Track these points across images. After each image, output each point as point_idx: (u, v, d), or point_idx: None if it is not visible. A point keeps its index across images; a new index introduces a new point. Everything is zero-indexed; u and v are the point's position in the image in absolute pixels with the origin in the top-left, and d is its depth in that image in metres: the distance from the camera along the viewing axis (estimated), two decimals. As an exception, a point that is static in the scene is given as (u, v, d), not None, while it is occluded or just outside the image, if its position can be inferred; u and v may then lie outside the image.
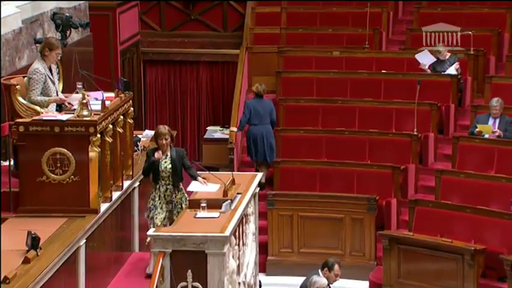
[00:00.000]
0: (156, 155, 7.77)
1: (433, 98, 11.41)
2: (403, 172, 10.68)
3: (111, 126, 7.68)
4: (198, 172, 8.09)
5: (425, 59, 11.81)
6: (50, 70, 7.73)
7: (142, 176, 8.20)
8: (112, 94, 8.08)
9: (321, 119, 11.63)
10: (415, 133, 11.03)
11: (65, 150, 7.24)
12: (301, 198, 10.47)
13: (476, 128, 10.59)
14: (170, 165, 7.77)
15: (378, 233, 9.99)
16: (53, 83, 7.73)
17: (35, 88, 7.58)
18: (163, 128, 7.88)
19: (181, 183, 7.88)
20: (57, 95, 7.77)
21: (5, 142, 7.63)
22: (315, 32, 12.97)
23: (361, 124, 11.45)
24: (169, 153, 7.83)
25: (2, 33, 8.82)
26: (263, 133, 11.18)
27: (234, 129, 11.35)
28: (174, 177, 7.78)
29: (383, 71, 12.07)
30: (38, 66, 7.61)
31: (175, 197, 7.80)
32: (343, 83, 11.95)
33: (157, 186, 7.82)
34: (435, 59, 11.84)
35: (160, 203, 7.79)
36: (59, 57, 7.76)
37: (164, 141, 7.79)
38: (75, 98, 7.66)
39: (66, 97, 7.83)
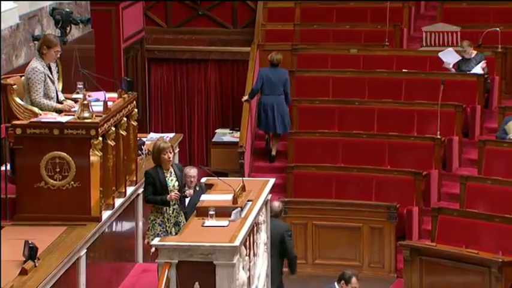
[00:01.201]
0: (173, 195, 7.50)
1: (458, 99, 11.38)
2: (425, 178, 10.66)
3: (113, 128, 7.70)
4: (207, 178, 8.09)
5: (449, 57, 11.78)
6: (50, 69, 7.73)
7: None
8: (115, 94, 8.10)
9: (337, 121, 11.63)
10: (438, 136, 11.01)
11: (65, 154, 7.27)
12: (316, 205, 10.46)
13: (508, 134, 10.51)
14: (177, 183, 7.62)
15: (398, 243, 9.96)
16: (53, 82, 7.73)
17: (37, 89, 7.56)
18: (164, 142, 7.64)
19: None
20: (57, 95, 7.78)
21: (1, 145, 7.65)
22: (331, 28, 12.96)
23: (380, 127, 11.43)
24: (172, 169, 7.64)
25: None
26: (274, 104, 11.42)
27: (245, 97, 11.65)
28: (180, 196, 7.67)
29: (404, 70, 12.05)
30: (37, 64, 7.62)
31: (181, 217, 7.65)
32: (361, 83, 11.94)
33: (165, 209, 7.63)
34: (460, 58, 11.81)
35: (169, 228, 7.61)
36: (58, 55, 7.76)
37: (168, 156, 7.56)
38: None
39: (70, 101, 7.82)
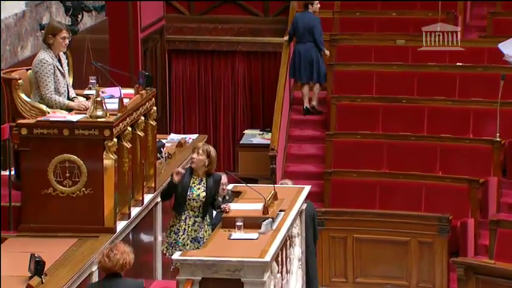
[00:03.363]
0: (175, 176, 7.50)
1: (520, 96, 11.33)
2: (482, 186, 10.61)
3: (130, 128, 7.75)
4: (234, 185, 8.11)
5: (510, 48, 11.71)
6: (59, 60, 7.78)
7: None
8: (131, 90, 8.15)
9: (381, 122, 11.61)
10: (498, 139, 10.95)
11: (76, 157, 7.33)
12: (357, 217, 10.45)
13: None
14: (204, 194, 7.63)
15: (451, 260, 9.94)
16: (63, 75, 7.78)
17: (46, 83, 7.59)
18: (201, 143, 7.84)
19: (208, 217, 7.72)
20: (68, 89, 7.83)
21: (5, 147, 7.73)
22: (375, 16, 12.95)
23: (431, 128, 11.40)
24: (204, 179, 7.65)
25: (1, 17, 8.95)
26: (300, 52, 12.04)
27: (286, 37, 12.41)
28: (205, 208, 7.65)
29: (458, 64, 12.01)
30: (44, 56, 7.67)
31: (204, 233, 7.65)
32: (409, 78, 11.91)
33: (183, 218, 7.64)
34: (523, 49, 11.75)
35: (183, 239, 7.62)
36: (67, 42, 7.78)
37: (195, 156, 7.61)
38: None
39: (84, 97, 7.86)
